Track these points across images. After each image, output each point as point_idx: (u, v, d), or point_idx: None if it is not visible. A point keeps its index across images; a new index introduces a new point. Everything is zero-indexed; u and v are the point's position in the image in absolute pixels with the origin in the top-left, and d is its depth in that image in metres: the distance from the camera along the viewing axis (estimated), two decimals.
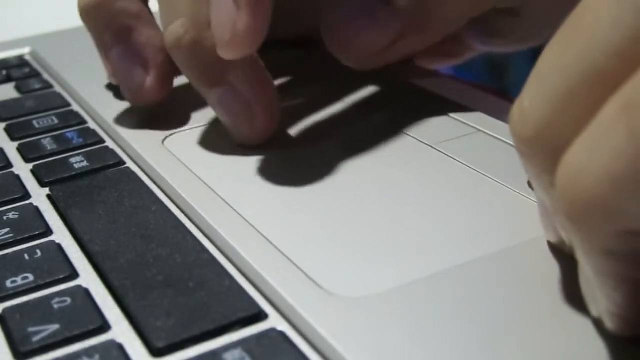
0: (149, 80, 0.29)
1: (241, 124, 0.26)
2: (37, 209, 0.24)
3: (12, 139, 0.30)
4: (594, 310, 0.17)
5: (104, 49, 0.30)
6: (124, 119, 0.30)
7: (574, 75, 0.14)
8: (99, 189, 0.25)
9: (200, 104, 0.30)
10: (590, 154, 0.13)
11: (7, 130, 0.31)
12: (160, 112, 0.30)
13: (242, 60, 0.25)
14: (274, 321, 0.19)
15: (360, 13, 0.28)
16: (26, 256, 0.22)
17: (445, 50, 0.36)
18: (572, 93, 0.14)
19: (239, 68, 0.26)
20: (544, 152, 0.15)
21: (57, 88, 0.35)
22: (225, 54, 0.24)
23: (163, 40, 0.27)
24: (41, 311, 0.19)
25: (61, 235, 0.23)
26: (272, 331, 0.18)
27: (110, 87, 0.33)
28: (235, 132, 0.27)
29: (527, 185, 0.23)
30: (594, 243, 0.14)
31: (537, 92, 0.15)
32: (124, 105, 0.31)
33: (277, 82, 0.33)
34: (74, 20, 0.32)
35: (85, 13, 0.30)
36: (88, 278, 0.21)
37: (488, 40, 0.33)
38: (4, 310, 0.20)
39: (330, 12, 0.29)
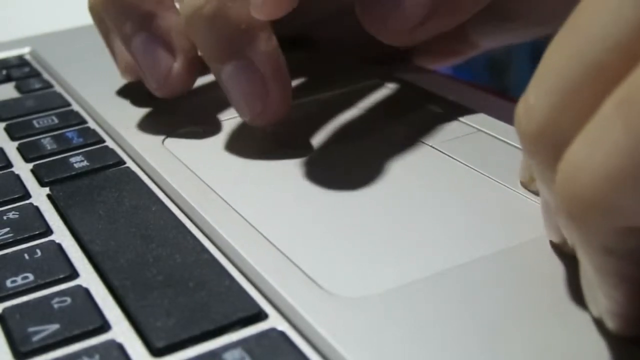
0: (176, 66, 0.28)
1: (254, 101, 0.26)
2: (37, 208, 0.24)
3: (12, 138, 0.30)
4: (595, 310, 0.17)
5: (125, 39, 0.29)
6: (124, 119, 0.30)
7: (575, 71, 0.14)
8: (99, 189, 0.25)
9: (201, 104, 0.30)
10: (589, 150, 0.13)
11: (7, 130, 0.31)
12: (160, 113, 0.30)
13: (263, 35, 0.25)
14: (274, 321, 0.19)
15: None
16: (26, 256, 0.22)
17: (449, 49, 0.36)
18: (574, 89, 0.14)
19: (258, 42, 0.25)
20: (547, 148, 0.15)
21: (57, 88, 0.35)
22: (260, 12, 0.24)
23: None
24: (41, 311, 0.19)
25: (61, 235, 0.23)
26: (272, 331, 0.18)
27: (110, 87, 0.33)
28: (246, 110, 0.26)
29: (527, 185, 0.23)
30: (594, 241, 0.14)
31: (542, 88, 0.15)
32: (124, 105, 0.31)
33: None
34: (74, 20, 0.32)
35: (103, 5, 0.29)
36: (88, 278, 0.21)
37: (499, 24, 0.33)
38: (4, 310, 0.20)
39: None
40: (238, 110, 0.26)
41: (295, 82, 0.33)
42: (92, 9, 0.31)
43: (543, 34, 0.34)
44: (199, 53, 0.27)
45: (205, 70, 0.28)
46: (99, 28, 0.31)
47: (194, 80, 0.29)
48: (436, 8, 0.28)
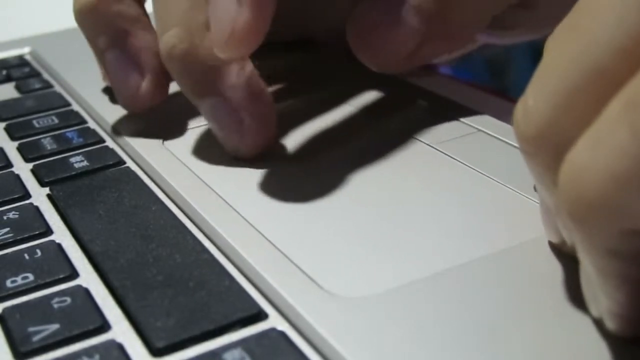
0: (144, 85, 0.28)
1: (231, 136, 0.26)
2: (37, 208, 0.24)
3: (12, 138, 0.30)
4: (595, 310, 0.17)
5: (99, 52, 0.29)
6: (124, 119, 0.30)
7: (577, 74, 0.14)
8: (99, 189, 0.25)
9: None
10: (594, 152, 0.13)
11: (7, 130, 0.31)
12: (160, 113, 0.30)
13: (234, 69, 0.25)
14: (274, 321, 0.19)
15: (386, 18, 0.27)
16: (26, 256, 0.22)
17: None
18: (575, 91, 0.14)
19: (230, 77, 0.25)
20: (547, 150, 0.15)
21: (57, 88, 0.35)
22: (223, 52, 0.24)
23: (157, 44, 0.27)
24: (41, 311, 0.19)
25: (61, 235, 0.23)
26: (272, 331, 0.18)
27: (110, 87, 0.33)
28: (226, 144, 0.26)
29: (527, 185, 0.23)
30: (597, 242, 0.14)
31: (541, 91, 0.15)
32: None
33: (277, 85, 0.33)
34: (74, 20, 0.32)
35: (81, 16, 0.29)
36: (88, 278, 0.21)
37: (500, 33, 0.33)
38: (4, 310, 0.20)
39: (356, 17, 0.28)
40: (222, 144, 0.26)
41: (295, 83, 0.33)
42: (75, 19, 0.31)
43: (540, 38, 0.34)
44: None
45: None
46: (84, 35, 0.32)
47: (162, 97, 0.29)
48: (430, 34, 0.27)
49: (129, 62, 0.29)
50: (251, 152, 0.26)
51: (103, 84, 0.33)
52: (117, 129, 0.29)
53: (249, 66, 0.26)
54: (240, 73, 0.25)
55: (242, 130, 0.25)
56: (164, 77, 0.29)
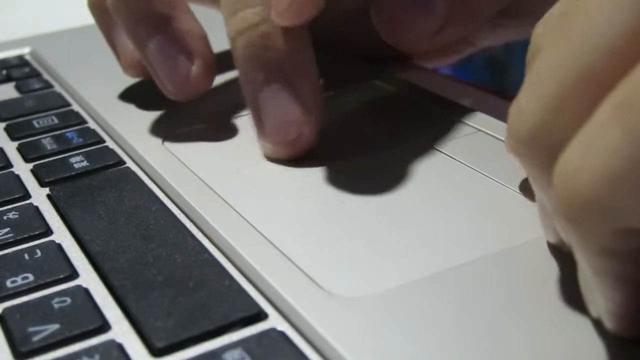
0: (195, 69, 0.28)
1: (291, 129, 0.25)
2: (37, 208, 0.24)
3: (12, 138, 0.30)
4: (593, 311, 0.17)
5: (139, 42, 0.28)
6: (124, 119, 0.30)
7: (569, 75, 0.14)
8: (99, 189, 0.25)
9: (201, 104, 0.30)
10: (586, 153, 0.13)
11: (7, 130, 0.31)
12: (160, 113, 0.30)
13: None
14: (274, 321, 0.19)
15: (412, 1, 0.28)
16: (26, 256, 0.22)
17: (447, 47, 0.35)
18: (567, 92, 0.14)
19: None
20: (541, 151, 0.15)
21: (57, 88, 0.35)
22: (283, 20, 0.24)
23: (202, 29, 0.27)
24: (41, 311, 0.19)
25: (61, 235, 0.23)
26: (272, 331, 0.18)
27: (110, 87, 0.33)
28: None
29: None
30: (592, 242, 0.14)
31: (534, 92, 0.15)
32: (124, 105, 0.31)
33: None
34: (74, 20, 0.32)
35: (116, 6, 0.28)
36: (88, 278, 0.21)
37: (503, 22, 0.33)
38: (4, 310, 0.20)
39: (383, 0, 0.29)
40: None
41: None
42: (94, 6, 0.30)
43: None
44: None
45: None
46: (99, 24, 0.31)
47: (211, 83, 0.28)
48: (452, 16, 0.28)
49: (175, 48, 0.28)
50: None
51: (103, 84, 0.33)
52: (117, 129, 0.29)
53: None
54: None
55: (306, 122, 0.25)
56: (213, 61, 0.28)
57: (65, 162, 0.27)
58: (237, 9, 0.25)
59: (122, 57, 0.31)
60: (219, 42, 0.29)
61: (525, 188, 0.23)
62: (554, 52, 0.15)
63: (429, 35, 0.28)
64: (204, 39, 0.28)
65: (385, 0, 0.29)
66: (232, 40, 0.25)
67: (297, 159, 0.26)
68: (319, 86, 0.26)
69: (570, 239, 0.15)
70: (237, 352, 0.17)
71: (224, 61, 0.31)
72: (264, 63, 0.25)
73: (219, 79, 0.31)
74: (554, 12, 0.17)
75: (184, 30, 0.28)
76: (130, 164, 0.27)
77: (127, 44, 0.30)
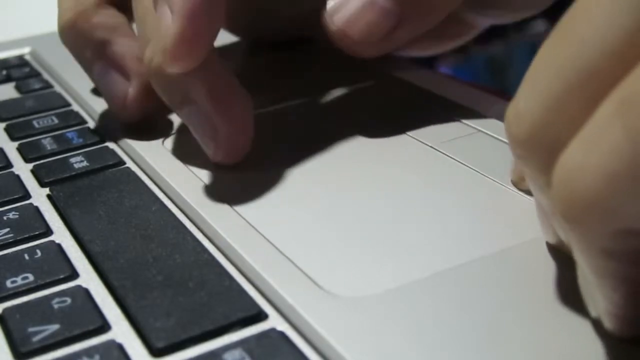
0: (131, 90, 0.28)
1: (206, 141, 0.25)
2: (37, 209, 0.24)
3: (12, 139, 0.30)
4: (593, 311, 0.17)
5: (87, 67, 0.29)
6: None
7: (568, 75, 0.14)
8: (99, 189, 0.25)
9: None
10: (587, 153, 0.13)
11: (7, 130, 0.31)
12: (160, 113, 0.30)
13: (203, 74, 0.24)
14: (274, 321, 0.19)
15: (359, 1, 0.27)
16: (26, 256, 0.22)
17: (447, 32, 0.35)
18: (567, 93, 0.14)
19: (199, 83, 0.24)
20: (540, 152, 0.15)
21: (57, 88, 0.35)
22: (169, 67, 0.24)
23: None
24: (41, 311, 0.19)
25: (61, 235, 0.23)
26: (272, 331, 0.18)
27: None
28: (206, 151, 0.25)
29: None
30: (592, 243, 0.14)
31: (532, 93, 0.15)
32: None
33: (277, 85, 0.33)
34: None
35: (64, 35, 0.29)
36: (88, 278, 0.21)
37: (482, 11, 0.33)
38: (4, 310, 0.20)
39: (329, 2, 0.28)
40: (202, 147, 0.26)
41: (294, 83, 0.33)
42: (61, 39, 0.31)
43: (541, 8, 0.33)
44: None
45: None
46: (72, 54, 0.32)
47: (152, 102, 0.28)
48: (404, 15, 0.27)
49: (113, 71, 0.28)
50: (226, 160, 0.25)
51: None
52: (117, 129, 0.29)
53: (215, 73, 0.25)
54: (208, 77, 0.25)
55: (215, 136, 0.25)
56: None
57: (65, 162, 0.27)
58: (139, 50, 0.26)
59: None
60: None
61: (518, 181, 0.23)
62: (553, 51, 0.15)
63: (381, 37, 0.27)
64: (142, 59, 0.27)
65: (331, 3, 0.27)
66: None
67: (239, 162, 0.25)
68: (227, 99, 0.25)
69: (570, 239, 0.15)
70: (237, 352, 0.17)
71: None
72: (166, 91, 0.25)
73: None
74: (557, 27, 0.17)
75: (122, 53, 0.28)
76: (130, 164, 0.27)
77: None
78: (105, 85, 0.29)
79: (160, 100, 0.26)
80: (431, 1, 0.28)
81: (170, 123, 0.29)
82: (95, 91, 0.33)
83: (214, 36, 0.24)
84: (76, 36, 0.29)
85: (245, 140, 0.25)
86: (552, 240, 0.19)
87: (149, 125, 0.29)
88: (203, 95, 0.24)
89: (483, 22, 0.34)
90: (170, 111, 0.30)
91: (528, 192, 0.22)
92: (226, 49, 0.33)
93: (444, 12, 0.28)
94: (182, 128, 0.29)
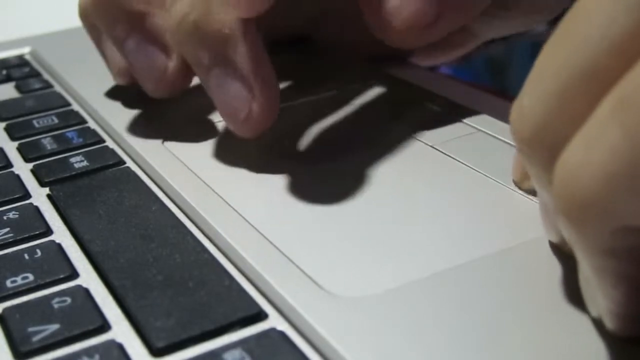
0: (172, 65, 0.27)
1: (235, 109, 0.25)
2: (37, 208, 0.24)
3: (12, 138, 0.30)
4: (594, 311, 0.17)
5: (118, 42, 0.28)
6: (124, 119, 0.30)
7: (570, 73, 0.14)
8: (99, 189, 0.25)
9: (201, 104, 0.30)
10: (587, 151, 0.13)
11: (7, 130, 0.31)
12: (160, 113, 0.30)
13: (245, 32, 0.24)
14: (274, 321, 0.19)
15: None
16: (26, 256, 0.22)
17: (448, 41, 0.35)
18: (568, 91, 0.14)
19: (242, 40, 0.24)
20: (543, 150, 0.15)
21: (57, 88, 0.35)
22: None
23: None
24: (41, 311, 0.19)
25: (61, 235, 0.23)
26: (272, 331, 0.18)
27: (110, 86, 0.33)
28: (231, 121, 0.25)
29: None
30: (592, 241, 0.14)
31: (535, 91, 0.15)
32: (124, 105, 0.31)
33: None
34: (74, 20, 0.32)
35: (93, 8, 0.28)
36: (88, 278, 0.21)
37: (497, 12, 0.33)
38: (4, 310, 0.20)
39: None
40: (225, 118, 0.25)
41: (294, 83, 0.33)
42: (82, 16, 0.30)
43: (541, 21, 0.34)
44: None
45: None
46: (90, 34, 0.31)
47: (190, 80, 0.28)
48: (444, 8, 0.27)
49: (152, 44, 0.27)
50: (257, 128, 0.25)
51: (103, 84, 0.33)
52: (117, 129, 0.29)
53: (259, 42, 0.24)
54: (253, 45, 0.24)
55: (251, 102, 0.24)
56: None
57: (65, 162, 0.27)
58: (170, 6, 0.25)
59: (111, 65, 0.31)
60: None
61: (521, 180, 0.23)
62: (555, 50, 0.15)
63: (422, 28, 0.27)
64: None
65: None
66: (171, 36, 0.25)
67: (258, 137, 0.25)
68: (265, 65, 0.25)
69: (571, 237, 0.15)
70: (237, 352, 0.17)
71: None
72: (200, 50, 0.25)
73: None
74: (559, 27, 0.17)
75: (160, 26, 0.27)
76: (130, 164, 0.27)
77: (115, 52, 0.30)
78: (142, 60, 0.28)
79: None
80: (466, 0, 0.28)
81: (171, 123, 0.29)
82: (95, 91, 0.33)
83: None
84: (107, 10, 0.28)
85: (276, 109, 0.25)
86: (554, 239, 0.19)
87: (149, 125, 0.29)
88: (244, 53, 0.24)
89: (487, 33, 0.35)
90: (170, 111, 0.30)
91: (529, 192, 0.22)
92: None
93: (480, 7, 0.28)
94: (183, 128, 0.29)
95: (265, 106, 0.25)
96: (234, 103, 0.25)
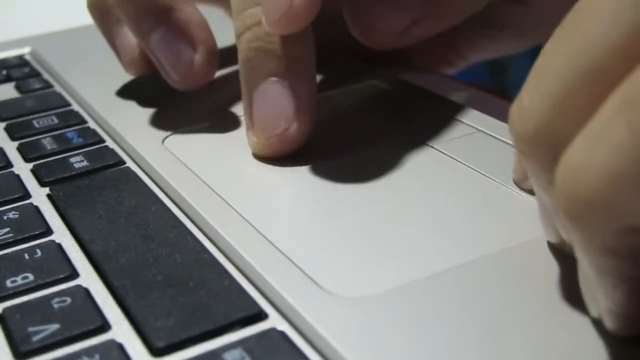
0: (198, 58, 0.28)
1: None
2: (37, 208, 0.24)
3: (12, 138, 0.30)
4: (594, 311, 0.17)
5: (144, 35, 0.29)
6: (124, 119, 0.30)
7: (572, 73, 0.14)
8: (99, 189, 0.25)
9: (201, 103, 0.30)
10: (590, 151, 0.13)
11: (7, 130, 0.31)
12: (160, 112, 0.30)
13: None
14: (274, 321, 0.19)
15: None
16: (26, 256, 0.22)
17: (441, 56, 0.36)
18: (571, 91, 0.14)
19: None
20: (544, 150, 0.15)
21: (57, 88, 0.35)
22: (279, 28, 0.24)
23: (203, 18, 0.28)
24: (41, 311, 0.19)
25: (61, 235, 0.23)
26: (272, 331, 0.18)
27: (110, 87, 0.33)
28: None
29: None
30: (594, 241, 0.14)
31: (536, 91, 0.15)
32: (124, 105, 0.31)
33: None
34: (74, 20, 0.32)
35: (121, 2, 0.29)
36: (88, 278, 0.21)
37: (489, 32, 0.33)
38: (4, 310, 0.20)
39: None
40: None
41: None
42: (95, 4, 0.30)
43: (531, 45, 0.34)
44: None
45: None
46: (99, 23, 0.31)
47: (214, 72, 0.29)
48: (424, 13, 0.28)
49: (179, 37, 0.28)
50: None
51: (103, 84, 0.33)
52: (117, 129, 0.29)
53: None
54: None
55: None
56: (215, 49, 0.29)
57: (65, 162, 0.27)
58: (245, 7, 0.26)
59: (123, 55, 0.31)
60: (219, 42, 0.29)
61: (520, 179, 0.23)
62: (557, 50, 0.15)
63: (398, 31, 0.28)
64: (206, 27, 0.28)
65: None
66: (238, 35, 0.26)
67: (281, 158, 0.26)
68: (315, 88, 0.26)
69: (572, 237, 0.15)
70: (237, 352, 0.17)
71: (223, 62, 0.31)
72: (265, 57, 0.25)
73: (220, 79, 0.31)
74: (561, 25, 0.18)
75: (186, 20, 0.28)
76: (130, 164, 0.27)
77: (128, 41, 0.31)
78: (169, 53, 0.28)
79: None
80: (448, 5, 0.29)
81: (170, 123, 0.29)
82: (95, 91, 0.33)
83: None
84: (134, 2, 0.29)
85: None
86: (553, 240, 0.19)
87: (149, 125, 0.29)
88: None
89: (475, 56, 0.35)
90: (170, 111, 0.30)
91: (530, 192, 0.22)
92: (226, 49, 0.33)
93: (458, 18, 0.29)
94: (182, 128, 0.29)
95: (304, 129, 0.26)
96: (276, 117, 0.26)
